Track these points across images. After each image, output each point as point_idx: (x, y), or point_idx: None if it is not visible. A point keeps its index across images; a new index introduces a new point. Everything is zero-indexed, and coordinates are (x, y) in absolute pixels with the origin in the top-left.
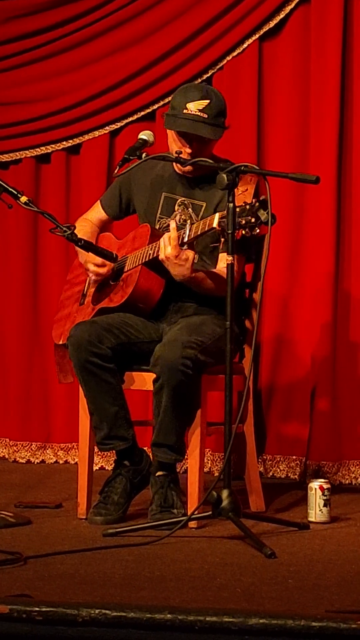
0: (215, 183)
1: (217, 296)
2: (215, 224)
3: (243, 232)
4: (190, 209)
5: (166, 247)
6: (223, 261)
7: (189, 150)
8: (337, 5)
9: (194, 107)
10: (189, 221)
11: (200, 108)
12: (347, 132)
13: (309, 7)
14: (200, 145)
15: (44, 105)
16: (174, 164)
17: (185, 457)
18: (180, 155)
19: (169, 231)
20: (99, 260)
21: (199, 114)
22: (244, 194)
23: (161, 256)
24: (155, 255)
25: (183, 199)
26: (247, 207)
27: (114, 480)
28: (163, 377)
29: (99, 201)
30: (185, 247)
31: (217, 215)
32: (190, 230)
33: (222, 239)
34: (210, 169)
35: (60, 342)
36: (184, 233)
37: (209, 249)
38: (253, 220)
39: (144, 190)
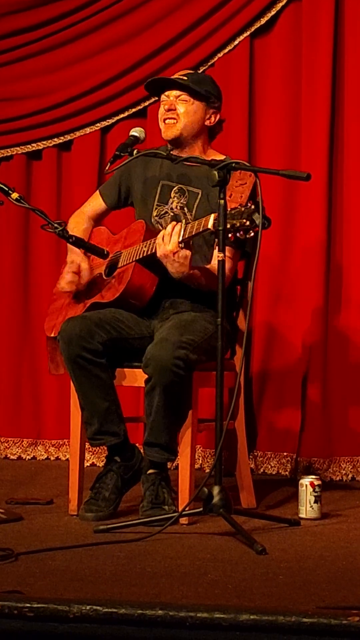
0: (208, 172)
1: (211, 291)
2: (210, 225)
3: (237, 234)
4: (185, 197)
5: (165, 244)
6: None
7: (166, 106)
8: (328, 2)
9: (177, 75)
10: (183, 220)
11: (182, 74)
12: (338, 129)
13: (301, 5)
14: (180, 101)
15: (35, 101)
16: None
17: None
18: (164, 119)
19: (164, 225)
20: (70, 277)
21: (179, 76)
22: (242, 186)
23: (159, 253)
24: (149, 252)
25: (180, 186)
26: (243, 209)
27: (105, 476)
28: (155, 377)
29: (97, 191)
30: (182, 245)
31: (212, 216)
32: (185, 230)
33: (217, 239)
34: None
35: (52, 335)
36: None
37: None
38: (247, 223)
39: (142, 180)
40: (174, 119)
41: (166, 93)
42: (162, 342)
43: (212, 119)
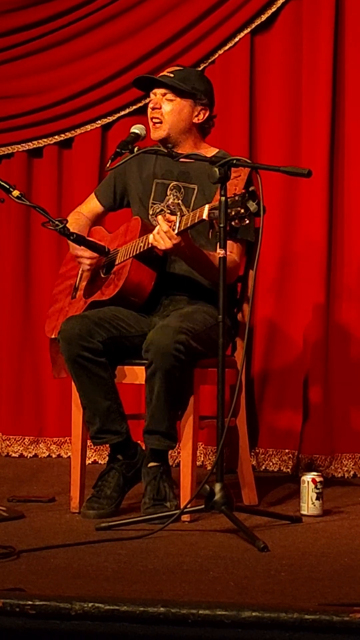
0: (208, 168)
1: (215, 280)
2: (204, 216)
3: (232, 223)
4: (182, 193)
5: (165, 241)
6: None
7: (151, 105)
8: None
9: (165, 72)
10: (178, 213)
11: (170, 70)
12: (339, 125)
13: (301, 1)
14: (166, 99)
15: (36, 99)
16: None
17: (178, 449)
18: (151, 118)
19: (159, 223)
20: (85, 257)
21: (166, 73)
22: (236, 179)
23: (162, 248)
24: (146, 247)
25: (175, 183)
26: (237, 198)
27: (107, 474)
28: (156, 362)
29: (93, 192)
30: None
31: (206, 207)
32: (180, 222)
33: (210, 230)
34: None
35: (53, 336)
36: (173, 225)
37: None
38: (242, 211)
39: (138, 179)
40: (159, 119)
41: (153, 90)
42: (162, 328)
43: (201, 115)
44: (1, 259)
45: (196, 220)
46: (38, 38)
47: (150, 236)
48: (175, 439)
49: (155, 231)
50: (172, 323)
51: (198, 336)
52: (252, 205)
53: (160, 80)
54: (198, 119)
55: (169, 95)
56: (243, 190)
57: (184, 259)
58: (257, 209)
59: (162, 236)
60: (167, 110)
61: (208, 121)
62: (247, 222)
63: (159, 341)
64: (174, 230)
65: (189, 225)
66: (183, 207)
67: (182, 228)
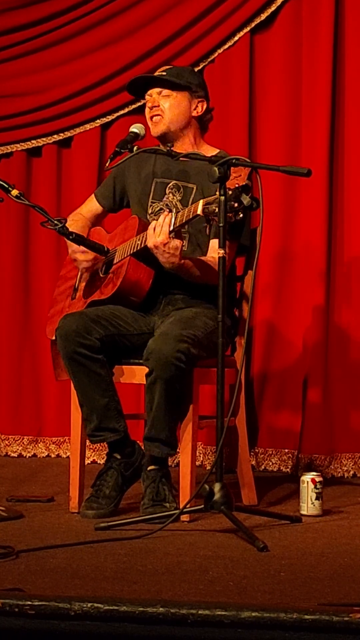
0: (208, 168)
1: (206, 284)
2: (199, 211)
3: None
4: (181, 193)
5: (155, 235)
6: (212, 250)
7: (149, 104)
8: None
9: (156, 73)
10: (174, 209)
11: (161, 70)
12: (339, 124)
13: (301, 0)
14: (163, 97)
15: (35, 98)
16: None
17: (178, 451)
18: (150, 117)
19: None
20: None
21: (158, 73)
22: (237, 179)
23: (150, 244)
24: (142, 245)
25: (175, 182)
26: (230, 192)
27: (105, 474)
28: (156, 371)
29: (93, 194)
30: (172, 234)
31: (201, 202)
32: (175, 218)
33: (207, 225)
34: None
35: (54, 338)
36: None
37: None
38: (236, 205)
39: (137, 179)
40: (159, 115)
41: (149, 92)
42: (163, 336)
43: (199, 108)
44: (0, 258)
45: (191, 216)
46: (37, 37)
47: (149, 229)
48: (176, 446)
49: (150, 226)
50: (173, 331)
51: (199, 342)
52: (245, 199)
53: (156, 78)
54: (197, 112)
55: (166, 92)
56: (237, 184)
57: (175, 269)
58: (250, 202)
59: (156, 231)
60: (166, 106)
61: (206, 114)
62: (242, 215)
63: (159, 350)
64: (169, 226)
65: (184, 221)
66: (181, 207)
67: (177, 224)
